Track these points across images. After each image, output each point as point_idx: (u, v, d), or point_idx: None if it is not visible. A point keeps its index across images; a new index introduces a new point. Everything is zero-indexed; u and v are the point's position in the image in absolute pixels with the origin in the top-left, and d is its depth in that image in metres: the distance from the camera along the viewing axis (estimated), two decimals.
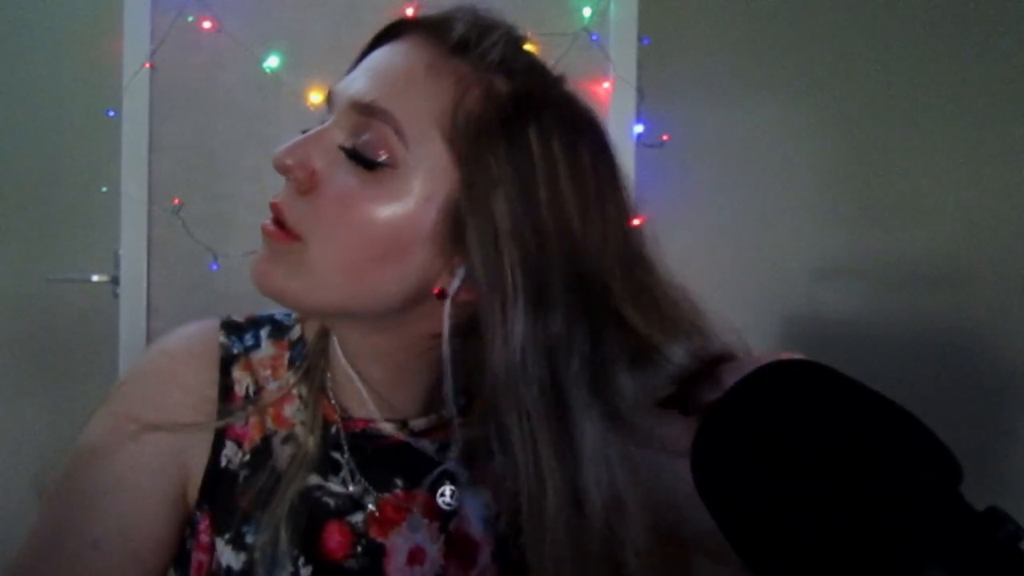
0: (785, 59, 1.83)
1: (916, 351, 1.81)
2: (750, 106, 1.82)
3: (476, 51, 0.55)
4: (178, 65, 1.73)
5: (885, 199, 1.84)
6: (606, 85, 1.79)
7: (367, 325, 0.60)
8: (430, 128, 0.53)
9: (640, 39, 1.79)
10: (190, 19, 1.72)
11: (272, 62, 1.74)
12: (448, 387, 0.56)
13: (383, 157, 0.53)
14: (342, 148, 0.54)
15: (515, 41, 0.57)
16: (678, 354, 0.51)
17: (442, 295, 0.55)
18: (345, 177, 0.54)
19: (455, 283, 0.54)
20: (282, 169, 0.55)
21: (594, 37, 1.78)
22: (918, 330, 1.81)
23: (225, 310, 0.70)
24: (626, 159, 1.77)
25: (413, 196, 0.53)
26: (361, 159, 0.53)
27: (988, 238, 1.84)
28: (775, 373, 0.42)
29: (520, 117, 0.53)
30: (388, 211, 0.53)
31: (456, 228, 0.53)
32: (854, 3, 1.83)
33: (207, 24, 1.72)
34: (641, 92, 1.78)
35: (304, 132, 0.57)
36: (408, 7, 1.69)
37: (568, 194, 0.53)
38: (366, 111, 0.54)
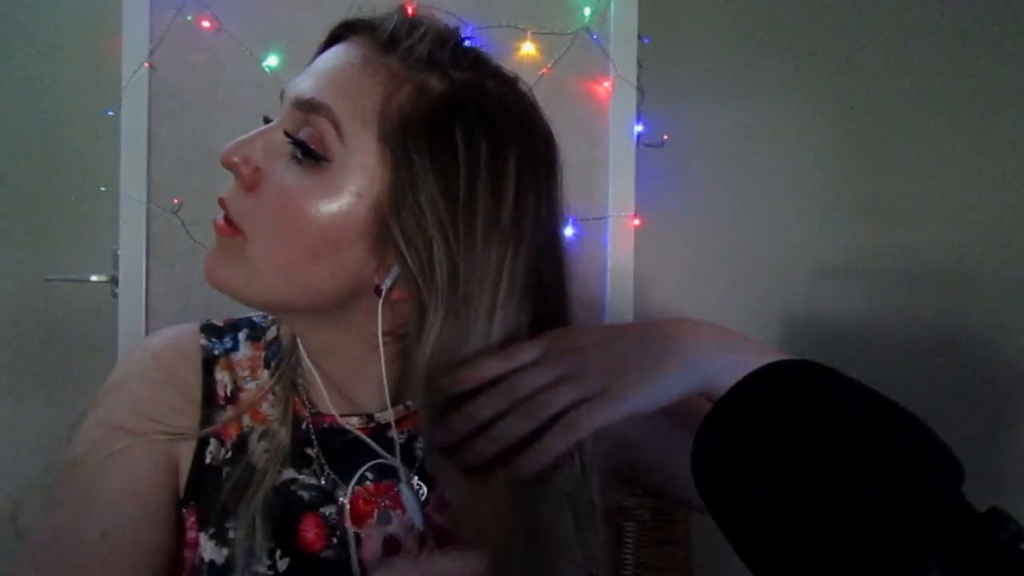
0: (785, 59, 1.83)
1: (916, 351, 1.81)
2: (750, 106, 1.82)
3: (404, 47, 0.56)
4: (177, 64, 1.73)
5: (885, 199, 1.84)
6: (606, 84, 1.78)
7: (314, 321, 0.61)
8: (364, 124, 0.54)
9: (640, 39, 1.78)
10: (189, 18, 1.72)
11: (272, 62, 1.74)
12: (384, 382, 0.59)
13: (319, 150, 0.54)
14: (285, 133, 0.55)
15: (443, 37, 0.58)
16: None
17: (377, 292, 0.56)
18: (284, 174, 0.55)
19: (387, 281, 0.56)
20: (228, 165, 0.57)
21: (594, 36, 1.78)
22: (918, 330, 1.81)
23: (223, 310, 0.71)
24: (626, 159, 1.77)
25: (346, 192, 0.54)
26: (300, 146, 0.54)
27: (988, 238, 1.84)
28: (774, 374, 0.42)
29: (448, 118, 0.54)
30: (322, 207, 0.54)
31: (385, 226, 0.54)
32: (854, 3, 1.83)
33: (206, 23, 1.72)
34: (641, 92, 1.78)
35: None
36: (407, 7, 1.68)
37: (484, 199, 0.54)
38: (306, 107, 0.55)
